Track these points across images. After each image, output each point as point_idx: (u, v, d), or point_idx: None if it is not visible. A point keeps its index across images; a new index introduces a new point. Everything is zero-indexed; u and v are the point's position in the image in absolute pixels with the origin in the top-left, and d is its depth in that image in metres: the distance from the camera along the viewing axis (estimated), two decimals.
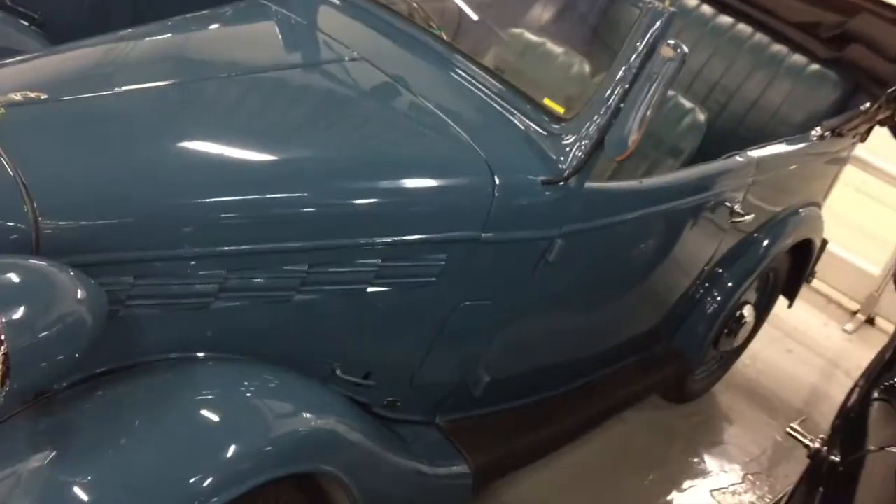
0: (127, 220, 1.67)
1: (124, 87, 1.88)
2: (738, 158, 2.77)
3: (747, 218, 2.87)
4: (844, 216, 4.14)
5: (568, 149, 2.16)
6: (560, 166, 2.16)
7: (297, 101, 2.14)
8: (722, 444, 3.55)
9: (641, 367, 3.07)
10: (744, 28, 3.64)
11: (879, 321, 4.75)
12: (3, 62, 1.93)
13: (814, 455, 1.89)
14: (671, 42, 2.05)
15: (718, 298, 3.19)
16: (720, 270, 3.17)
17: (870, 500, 1.61)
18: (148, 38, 2.16)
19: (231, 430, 1.67)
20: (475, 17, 3.11)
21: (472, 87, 2.31)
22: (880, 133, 3.56)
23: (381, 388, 2.20)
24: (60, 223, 1.60)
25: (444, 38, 2.47)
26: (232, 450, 1.64)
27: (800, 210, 3.31)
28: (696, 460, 3.41)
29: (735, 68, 3.59)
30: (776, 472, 3.47)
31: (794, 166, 3.10)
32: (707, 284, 3.17)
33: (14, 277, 1.45)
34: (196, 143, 1.85)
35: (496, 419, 2.56)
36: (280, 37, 2.39)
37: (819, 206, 3.47)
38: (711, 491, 3.27)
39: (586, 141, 2.15)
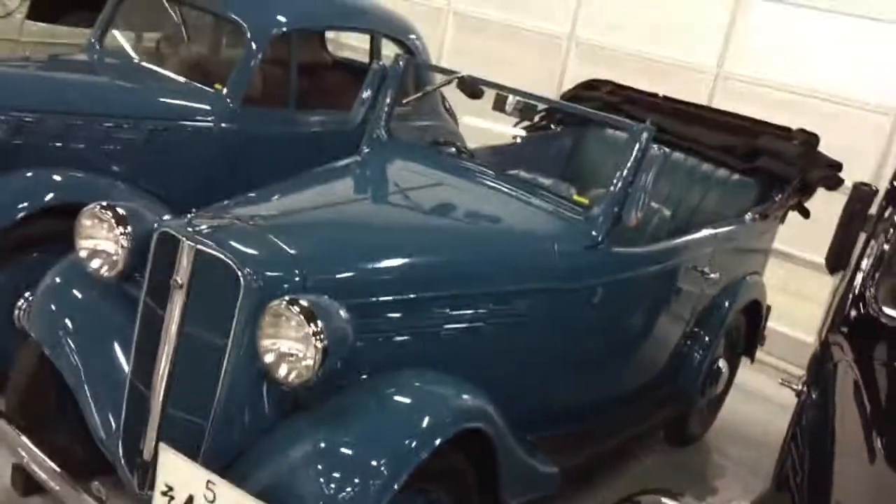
0: (352, 279, 2.61)
1: (325, 205, 2.88)
2: (703, 232, 3.85)
3: (714, 276, 3.93)
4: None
5: (598, 225, 3.20)
6: (594, 235, 3.19)
7: (421, 207, 3.16)
8: (723, 472, 4.45)
9: (656, 403, 3.99)
10: (679, 155, 4.85)
11: None
12: (223, 205, 2.87)
13: (800, 393, 2.84)
14: (655, 146, 3.15)
15: (700, 351, 4.18)
16: (697, 329, 4.18)
17: (841, 399, 2.54)
18: (311, 183, 3.20)
19: (427, 405, 2.54)
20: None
21: (522, 196, 3.35)
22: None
23: None
24: (317, 280, 2.52)
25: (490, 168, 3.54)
26: (429, 416, 2.49)
27: (746, 277, 4.39)
28: (703, 484, 4.29)
29: (677, 185, 4.76)
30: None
31: (738, 241, 4.20)
32: (690, 341, 4.16)
33: (311, 304, 2.35)
34: (379, 234, 2.88)
35: (562, 439, 3.42)
36: (386, 175, 3.43)
37: (760, 275, 4.56)
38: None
39: (609, 218, 3.19)
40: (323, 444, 2.38)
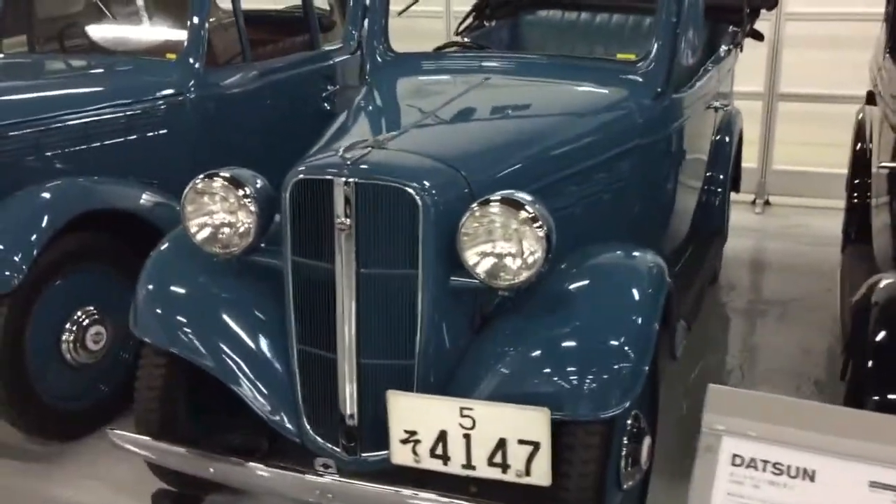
0: (502, 176, 2.51)
1: (421, 121, 2.72)
2: (710, 71, 3.93)
3: (723, 110, 4.07)
4: None
5: (659, 74, 3.19)
6: (657, 87, 3.18)
7: (498, 103, 3.08)
8: (755, 295, 4.71)
9: (707, 241, 4.12)
10: (620, 16, 4.90)
11: (772, 199, 6.18)
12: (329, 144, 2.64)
13: None
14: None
15: (720, 190, 4.33)
16: (712, 173, 4.31)
17: None
18: (376, 111, 3.09)
19: (628, 274, 2.49)
20: None
21: (569, 72, 3.30)
22: None
23: None
24: (477, 182, 2.40)
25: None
26: (637, 284, 2.43)
27: (730, 109, 4.56)
28: (742, 309, 4.53)
29: (637, 43, 4.79)
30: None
31: (724, 73, 4.33)
32: (709, 183, 4.29)
33: (510, 197, 2.24)
34: (492, 132, 2.83)
35: None
36: (435, 85, 3.30)
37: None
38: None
39: (666, 64, 3.19)
40: (554, 339, 2.29)
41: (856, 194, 4.07)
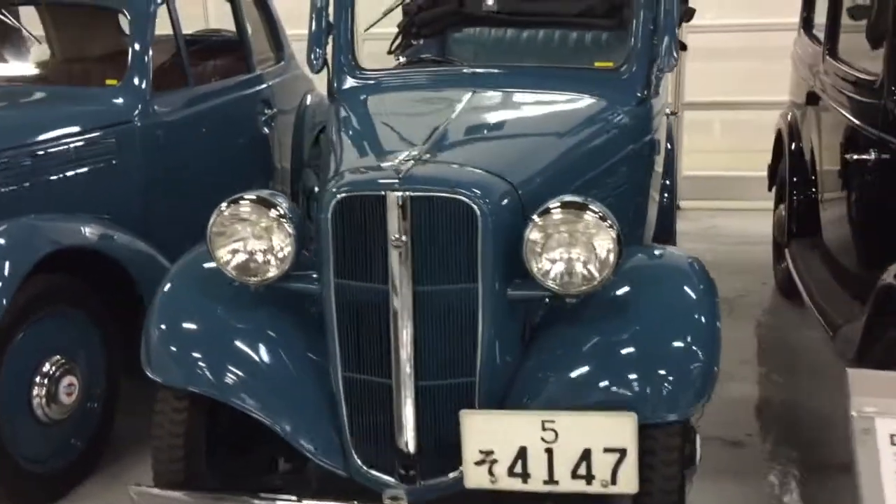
0: (539, 185, 2.46)
1: (440, 133, 2.61)
2: (661, 77, 4.03)
3: (673, 116, 4.20)
4: None
5: (640, 79, 3.23)
6: (638, 93, 3.23)
7: (499, 116, 3.06)
8: None
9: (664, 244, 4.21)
10: (547, 31, 4.98)
11: (683, 203, 6.43)
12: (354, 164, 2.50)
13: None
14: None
15: (667, 196, 4.42)
16: (664, 179, 4.41)
17: None
18: (376, 129, 3.01)
19: (676, 272, 2.49)
20: None
21: (550, 83, 3.30)
22: None
23: None
24: (523, 190, 2.35)
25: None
26: (690, 282, 2.42)
27: (669, 116, 4.70)
28: None
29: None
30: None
31: (667, 80, 4.46)
32: (663, 190, 4.39)
33: (573, 201, 2.20)
34: (509, 142, 2.80)
35: None
36: (426, 100, 3.23)
37: None
38: None
39: (646, 69, 3.24)
40: (621, 343, 2.25)
41: (795, 192, 4.27)
